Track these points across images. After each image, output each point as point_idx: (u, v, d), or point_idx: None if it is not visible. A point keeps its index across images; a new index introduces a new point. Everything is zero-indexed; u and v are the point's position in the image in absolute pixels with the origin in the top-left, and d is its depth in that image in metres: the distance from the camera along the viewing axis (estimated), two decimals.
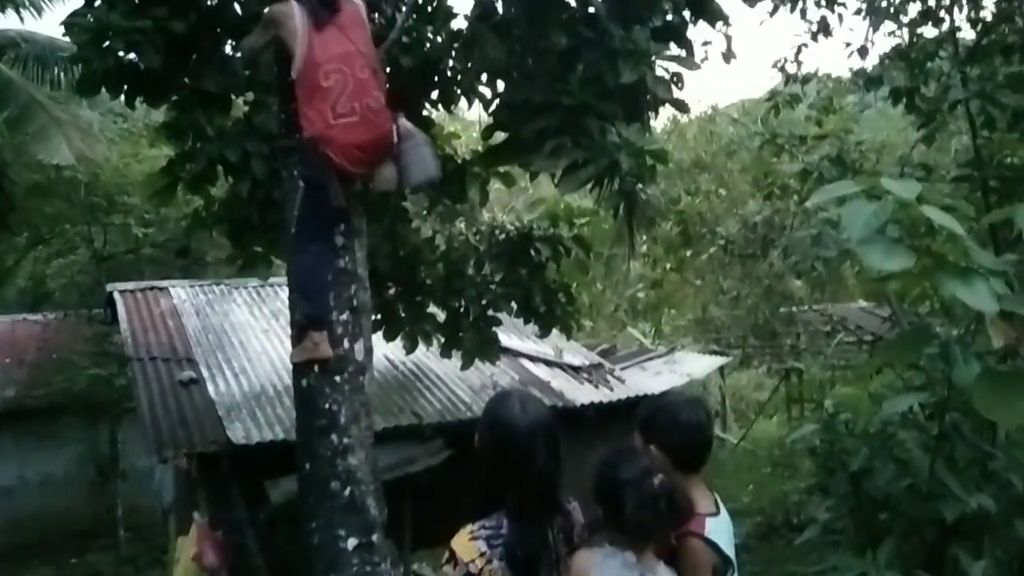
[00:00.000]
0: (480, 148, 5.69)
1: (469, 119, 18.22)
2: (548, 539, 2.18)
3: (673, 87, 4.52)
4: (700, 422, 2.46)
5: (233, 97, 5.15)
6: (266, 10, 3.73)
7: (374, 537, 3.82)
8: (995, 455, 4.51)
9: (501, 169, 5.75)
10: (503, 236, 6.06)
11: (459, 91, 5.26)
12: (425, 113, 5.65)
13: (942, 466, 4.26)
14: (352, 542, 3.75)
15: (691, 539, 2.31)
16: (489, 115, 4.87)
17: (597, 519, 2.33)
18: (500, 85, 4.86)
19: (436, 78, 5.05)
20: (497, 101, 4.86)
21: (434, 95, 5.38)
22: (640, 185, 4.41)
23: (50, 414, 11.12)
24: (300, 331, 3.94)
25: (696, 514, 2.34)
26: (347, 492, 3.81)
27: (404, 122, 3.79)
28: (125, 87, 4.57)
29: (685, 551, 2.31)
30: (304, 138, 3.63)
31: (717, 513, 2.41)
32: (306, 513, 3.88)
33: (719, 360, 12.37)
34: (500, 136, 5.02)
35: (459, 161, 5.79)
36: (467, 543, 2.13)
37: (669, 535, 2.29)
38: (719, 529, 2.36)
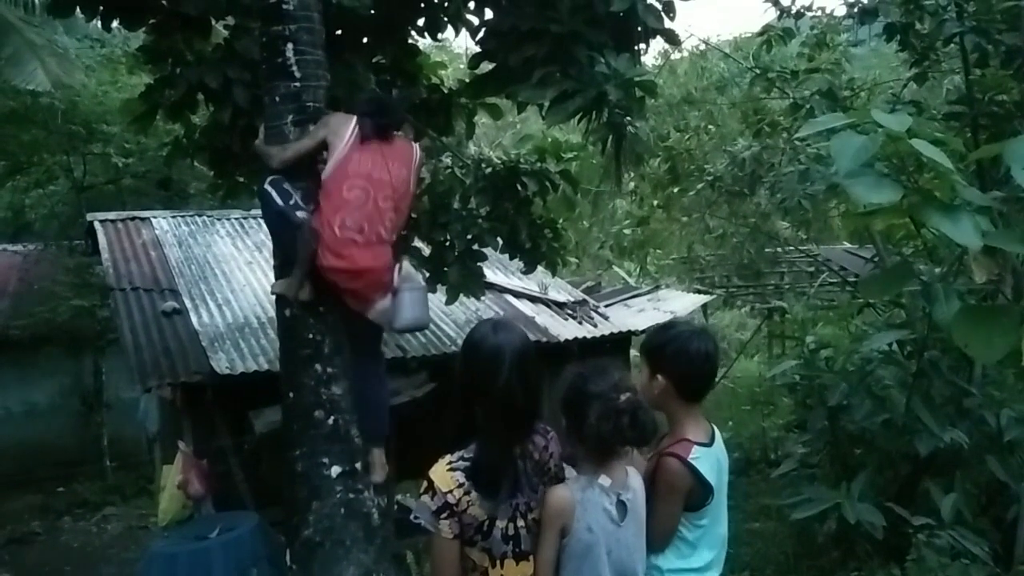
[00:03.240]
0: (467, 79, 5.58)
1: (456, 51, 17.94)
2: (513, 459, 2.19)
3: (664, 17, 4.43)
4: (709, 353, 2.49)
5: (213, 21, 5.01)
6: (327, 115, 3.75)
7: (357, 465, 3.86)
8: (971, 392, 4.60)
9: (488, 101, 5.66)
10: (489, 170, 5.98)
11: (446, 18, 5.14)
12: (411, 41, 5.54)
13: (918, 402, 4.35)
14: (336, 469, 3.79)
15: (670, 460, 2.35)
16: (476, 43, 4.77)
17: (570, 456, 2.36)
18: (488, 12, 4.75)
19: (422, 4, 4.92)
20: (484, 29, 4.75)
21: (420, 22, 5.26)
22: (629, 118, 4.36)
23: (33, 345, 11.07)
24: (283, 265, 3.93)
25: (684, 439, 2.38)
26: (331, 421, 3.84)
27: (407, 266, 4.00)
28: (100, 8, 4.42)
29: (663, 470, 2.36)
30: (310, 222, 3.65)
31: (709, 444, 2.44)
32: (290, 441, 3.91)
33: (703, 298, 12.43)
34: (487, 66, 4.92)
35: (445, 91, 5.68)
36: (445, 473, 2.14)
37: (629, 451, 2.33)
38: (707, 459, 2.39)
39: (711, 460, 2.40)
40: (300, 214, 3.70)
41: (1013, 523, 4.33)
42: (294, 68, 3.87)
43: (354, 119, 3.68)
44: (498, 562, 2.19)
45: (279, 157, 3.81)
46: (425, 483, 2.15)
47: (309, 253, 3.64)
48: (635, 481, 2.32)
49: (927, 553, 4.04)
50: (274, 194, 3.77)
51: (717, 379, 12.66)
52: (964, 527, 4.20)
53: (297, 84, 3.87)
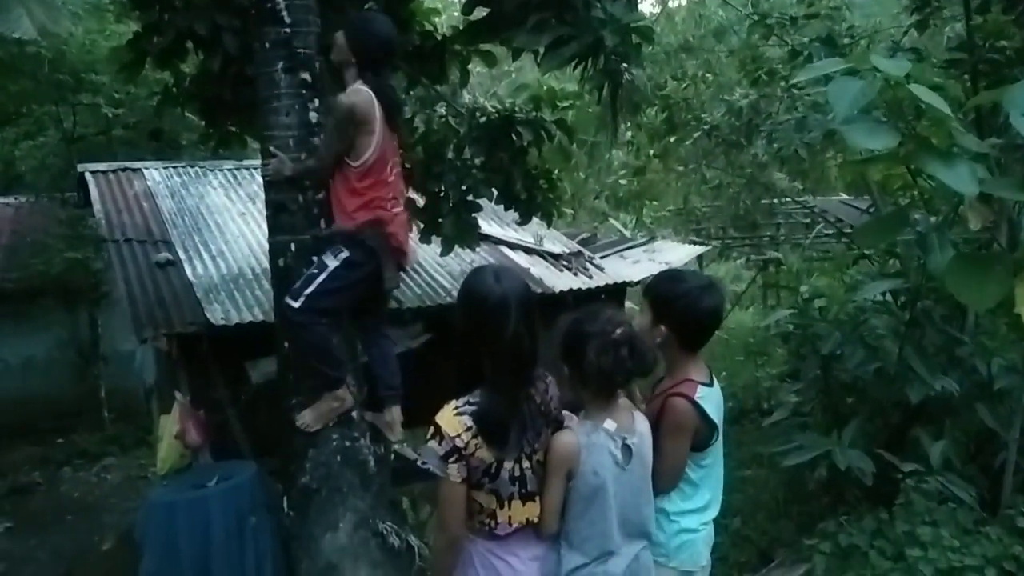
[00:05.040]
0: (461, 25, 5.48)
1: None
2: (520, 406, 2.22)
3: None
4: (717, 308, 2.55)
5: None
6: (350, 103, 3.50)
7: (353, 414, 3.89)
8: (963, 341, 4.63)
9: (483, 47, 5.56)
10: (484, 119, 5.92)
11: None
12: None
13: (911, 351, 4.38)
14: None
15: (678, 399, 2.40)
16: None
17: (571, 402, 2.39)
18: None
19: None
20: None
21: None
22: (625, 65, 4.30)
23: (28, 298, 11.05)
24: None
25: (688, 379, 2.42)
26: None
27: None
28: None
29: (670, 410, 2.39)
30: (363, 221, 3.59)
31: (710, 385, 2.50)
32: (286, 391, 3.93)
33: (698, 249, 12.44)
34: (482, 12, 4.83)
35: (439, 38, 5.59)
36: (453, 418, 2.17)
37: (633, 386, 2.37)
38: (710, 398, 2.46)
39: (714, 400, 2.47)
40: (332, 259, 3.59)
41: (1000, 469, 4.39)
42: (284, 14, 3.80)
43: (375, 101, 3.55)
44: (505, 503, 2.24)
45: (323, 163, 3.69)
46: (432, 429, 2.18)
47: (386, 245, 3.65)
48: (641, 426, 2.36)
49: (915, 498, 4.11)
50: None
51: None
52: (952, 473, 4.27)
53: (287, 30, 3.80)
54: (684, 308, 2.45)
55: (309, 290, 3.55)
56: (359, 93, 3.53)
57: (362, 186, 3.58)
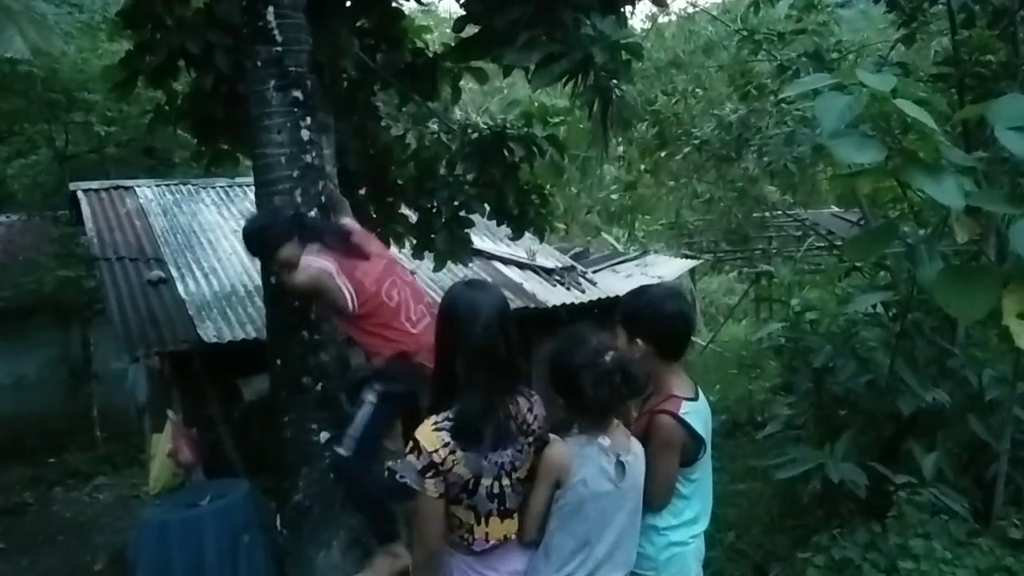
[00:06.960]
0: (452, 43, 5.52)
1: (442, 16, 17.73)
2: (495, 411, 2.22)
3: None
4: (683, 312, 2.56)
5: None
6: (302, 278, 3.39)
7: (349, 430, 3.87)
8: (954, 353, 4.65)
9: (474, 65, 5.60)
10: (476, 135, 5.94)
11: None
12: (395, 5, 5.47)
13: (902, 363, 4.40)
14: (324, 435, 3.81)
15: (663, 416, 2.40)
16: (461, 5, 4.71)
17: (560, 421, 2.39)
18: None
19: None
20: None
21: None
22: (615, 81, 4.33)
23: (19, 316, 11.00)
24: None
25: (672, 396, 2.43)
26: (319, 387, 3.85)
27: None
28: None
29: (656, 427, 2.40)
30: (389, 357, 3.43)
31: (695, 399, 2.50)
32: (279, 408, 3.93)
33: (690, 263, 12.49)
34: (472, 30, 4.86)
35: (430, 55, 5.62)
36: (431, 433, 2.18)
37: (629, 407, 2.38)
38: (695, 413, 2.46)
39: (699, 414, 2.47)
40: (371, 394, 3.44)
41: (993, 481, 4.40)
42: (275, 32, 3.82)
43: (322, 254, 3.45)
44: (483, 519, 2.25)
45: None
46: (411, 443, 2.20)
47: (418, 374, 3.36)
48: (636, 446, 2.36)
49: (908, 510, 4.11)
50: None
51: (705, 344, 12.78)
52: (945, 485, 4.27)
53: (279, 48, 3.82)
54: (651, 317, 2.47)
55: (355, 433, 3.41)
56: (303, 273, 3.42)
57: (371, 325, 3.45)
